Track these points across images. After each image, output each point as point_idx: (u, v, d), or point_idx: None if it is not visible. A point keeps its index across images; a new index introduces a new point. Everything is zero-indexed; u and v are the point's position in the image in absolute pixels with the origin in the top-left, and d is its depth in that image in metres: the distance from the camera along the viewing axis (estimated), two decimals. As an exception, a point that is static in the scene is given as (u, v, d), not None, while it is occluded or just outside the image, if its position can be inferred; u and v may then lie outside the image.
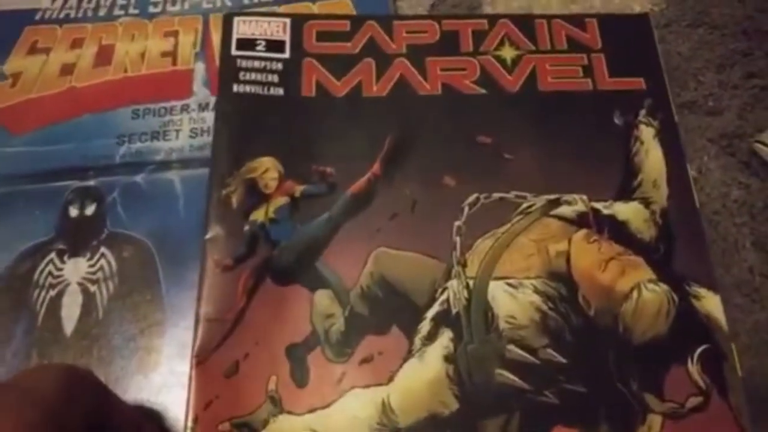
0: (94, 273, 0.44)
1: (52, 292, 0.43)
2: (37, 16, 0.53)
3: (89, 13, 0.54)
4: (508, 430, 0.36)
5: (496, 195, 0.42)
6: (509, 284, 0.39)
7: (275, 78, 0.46)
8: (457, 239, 0.40)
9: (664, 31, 0.53)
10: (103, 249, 0.44)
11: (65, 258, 0.44)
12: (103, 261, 0.44)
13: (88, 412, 0.30)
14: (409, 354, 0.38)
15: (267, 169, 0.43)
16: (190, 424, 0.36)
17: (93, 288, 0.43)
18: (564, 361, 0.37)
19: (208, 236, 0.41)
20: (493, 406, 0.36)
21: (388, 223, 0.41)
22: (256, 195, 0.42)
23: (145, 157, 0.47)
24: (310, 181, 0.43)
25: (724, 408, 0.37)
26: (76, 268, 0.44)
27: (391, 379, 0.37)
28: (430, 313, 0.39)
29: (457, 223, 0.41)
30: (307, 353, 0.38)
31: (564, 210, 0.42)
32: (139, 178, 0.47)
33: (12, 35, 0.52)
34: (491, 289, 0.39)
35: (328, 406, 0.36)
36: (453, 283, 0.39)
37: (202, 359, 0.37)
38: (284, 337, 0.38)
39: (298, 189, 0.43)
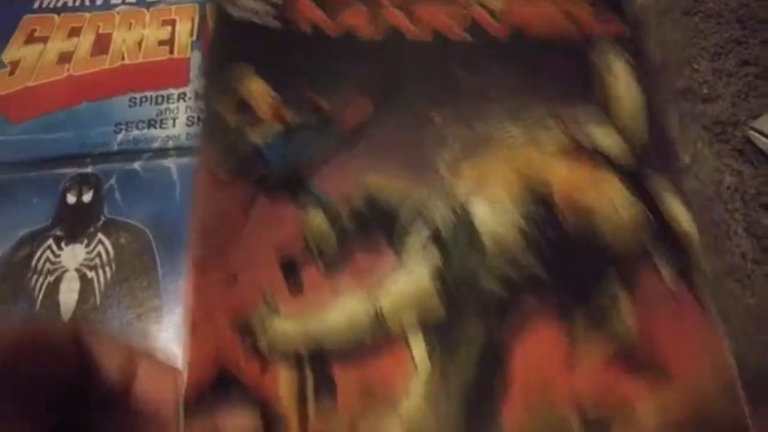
0: (91, 259, 0.44)
1: (50, 278, 0.43)
2: (36, 5, 0.54)
3: (87, 2, 0.54)
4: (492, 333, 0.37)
5: (479, 127, 0.43)
6: (493, 205, 0.41)
7: (273, 10, 0.47)
8: (443, 165, 0.42)
9: (660, 18, 0.53)
10: (100, 235, 0.45)
11: (63, 244, 0.44)
12: (100, 247, 0.44)
13: (55, 376, 0.26)
14: (398, 270, 0.39)
15: (261, 93, 0.43)
16: (189, 331, 0.36)
17: (90, 274, 0.43)
18: (545, 275, 0.39)
19: (202, 151, 0.41)
20: (478, 312, 0.38)
21: (379, 153, 0.42)
22: (249, 115, 0.43)
23: (142, 144, 0.48)
24: (303, 110, 0.43)
25: (693, 303, 0.38)
26: (73, 255, 0.44)
27: (381, 291, 0.38)
28: (417, 231, 0.40)
29: (443, 151, 0.42)
30: (301, 268, 0.39)
31: (544, 138, 0.43)
32: (136, 165, 0.47)
33: (11, 24, 0.53)
34: (476, 210, 0.40)
35: (321, 312, 0.37)
36: (439, 204, 0.40)
37: (199, 270, 0.38)
38: (278, 251, 0.39)
39: (291, 116, 0.43)
